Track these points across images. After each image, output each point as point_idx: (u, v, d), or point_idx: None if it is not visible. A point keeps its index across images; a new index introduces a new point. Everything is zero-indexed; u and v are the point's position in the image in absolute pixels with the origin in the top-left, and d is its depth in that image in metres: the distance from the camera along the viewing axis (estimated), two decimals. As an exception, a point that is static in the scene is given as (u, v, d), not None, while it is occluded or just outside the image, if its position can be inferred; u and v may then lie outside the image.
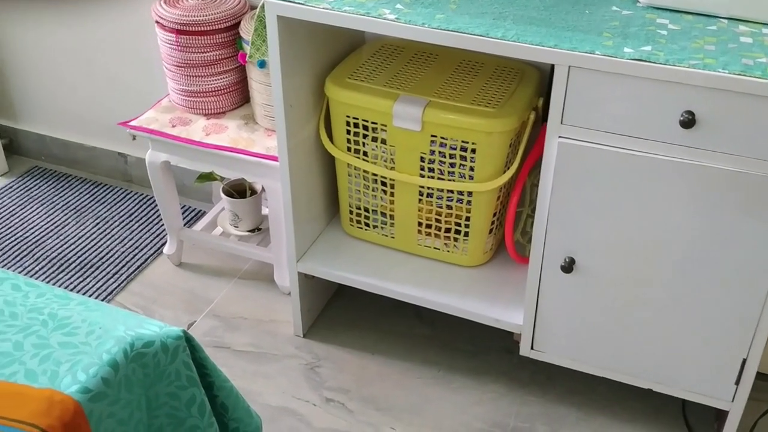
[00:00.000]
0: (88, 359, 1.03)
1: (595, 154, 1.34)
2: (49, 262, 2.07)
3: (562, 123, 1.35)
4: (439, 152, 1.58)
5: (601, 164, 1.35)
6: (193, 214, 2.25)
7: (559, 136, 1.36)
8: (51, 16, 2.20)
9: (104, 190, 2.35)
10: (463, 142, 1.55)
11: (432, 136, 1.56)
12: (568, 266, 1.46)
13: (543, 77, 1.67)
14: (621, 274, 1.44)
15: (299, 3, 1.43)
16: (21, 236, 2.16)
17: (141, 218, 2.23)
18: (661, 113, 1.27)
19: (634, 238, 1.40)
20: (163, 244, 2.12)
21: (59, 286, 1.73)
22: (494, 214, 1.67)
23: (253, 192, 2.00)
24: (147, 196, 2.32)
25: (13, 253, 2.10)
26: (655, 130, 1.29)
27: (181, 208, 2.07)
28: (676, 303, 1.43)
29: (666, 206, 1.34)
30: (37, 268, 2.05)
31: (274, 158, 1.72)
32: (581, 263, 1.46)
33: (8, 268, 2.01)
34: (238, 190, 2.00)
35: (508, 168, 1.60)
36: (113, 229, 2.19)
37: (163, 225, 2.19)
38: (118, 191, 2.34)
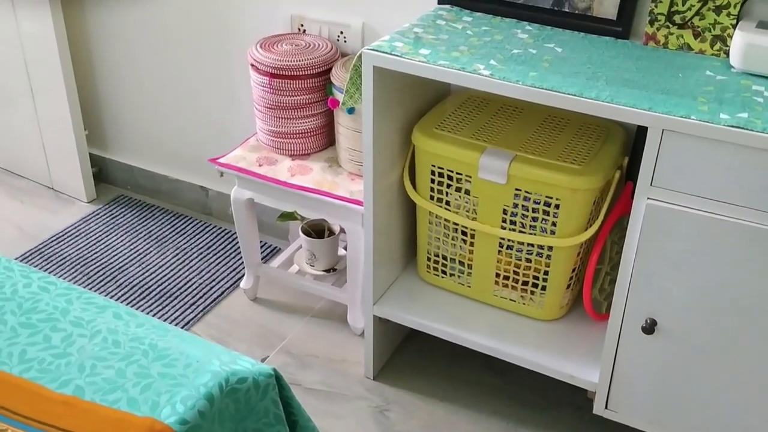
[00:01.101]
0: (186, 391, 1.07)
1: (684, 217, 1.34)
2: (131, 288, 2.14)
3: (651, 185, 1.35)
4: (522, 205, 1.60)
5: (690, 228, 1.35)
6: (268, 250, 2.30)
7: (648, 198, 1.36)
8: (148, 52, 2.31)
9: (185, 222, 2.43)
10: (547, 197, 1.56)
11: (516, 189, 1.58)
12: (650, 327, 1.45)
13: (628, 136, 1.68)
14: (706, 340, 1.42)
15: (396, 55, 1.48)
16: (105, 262, 2.24)
17: (219, 251, 2.30)
18: (756, 180, 1.26)
19: (721, 304, 1.38)
20: (239, 278, 2.18)
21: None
22: (573, 270, 1.67)
23: (331, 232, 2.04)
24: (225, 229, 2.39)
25: (98, 278, 2.18)
26: (750, 197, 1.28)
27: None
28: (763, 371, 1.40)
29: (757, 273, 1.33)
30: (119, 294, 2.12)
31: (358, 202, 1.76)
32: (663, 325, 1.45)
33: (93, 292, 2.08)
34: (316, 230, 2.05)
35: (591, 225, 1.60)
36: (192, 261, 2.26)
37: (239, 259, 2.25)
38: (198, 223, 2.42)
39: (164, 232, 2.38)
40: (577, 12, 1.64)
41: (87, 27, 2.37)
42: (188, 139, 2.38)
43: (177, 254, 2.28)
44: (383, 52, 1.49)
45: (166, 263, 2.24)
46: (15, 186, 2.59)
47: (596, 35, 1.62)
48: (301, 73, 1.83)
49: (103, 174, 2.61)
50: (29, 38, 2.32)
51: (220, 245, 2.33)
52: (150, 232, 2.38)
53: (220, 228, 2.40)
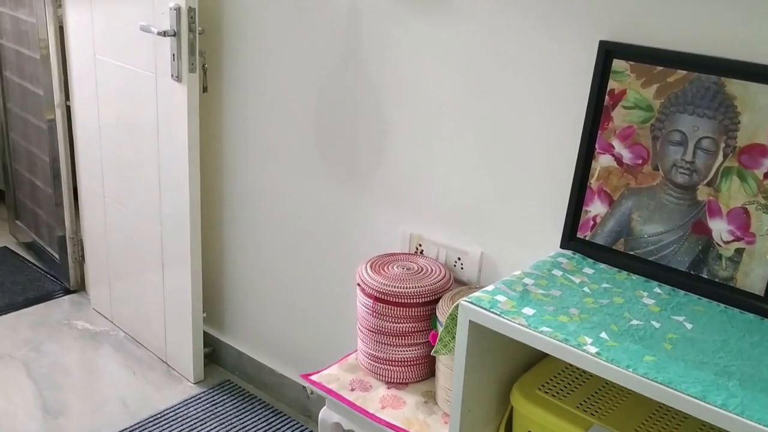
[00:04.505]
0: None
1: None
2: (209, 491, 2.04)
3: None
4: (631, 502, 1.35)
5: None
6: (359, 470, 2.13)
7: None
8: (272, 247, 2.33)
9: (282, 422, 2.33)
10: (660, 499, 1.31)
11: (624, 482, 1.34)
12: None
13: None
14: None
15: (494, 312, 1.34)
16: (192, 456, 2.17)
17: (308, 462, 2.17)
18: None
19: None
20: (321, 499, 2.01)
21: None
22: None
23: (421, 472, 1.85)
24: (320, 437, 2.26)
25: (180, 473, 2.11)
26: None
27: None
28: None
29: None
30: (195, 496, 2.02)
31: (445, 454, 1.58)
32: None
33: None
34: (406, 465, 1.87)
35: None
36: (278, 469, 2.14)
37: (326, 476, 2.10)
38: (294, 425, 2.31)
39: (260, 431, 2.29)
40: (716, 280, 1.44)
41: (223, 217, 2.45)
42: (297, 338, 2.33)
43: (265, 459, 2.17)
44: (482, 308, 1.35)
45: (251, 467, 2.14)
46: (134, 355, 2.64)
47: (737, 309, 1.40)
48: (407, 301, 1.73)
49: (215, 355, 2.60)
50: (168, 212, 2.43)
51: (310, 455, 2.19)
52: (245, 428, 2.29)
53: (316, 434, 2.28)
